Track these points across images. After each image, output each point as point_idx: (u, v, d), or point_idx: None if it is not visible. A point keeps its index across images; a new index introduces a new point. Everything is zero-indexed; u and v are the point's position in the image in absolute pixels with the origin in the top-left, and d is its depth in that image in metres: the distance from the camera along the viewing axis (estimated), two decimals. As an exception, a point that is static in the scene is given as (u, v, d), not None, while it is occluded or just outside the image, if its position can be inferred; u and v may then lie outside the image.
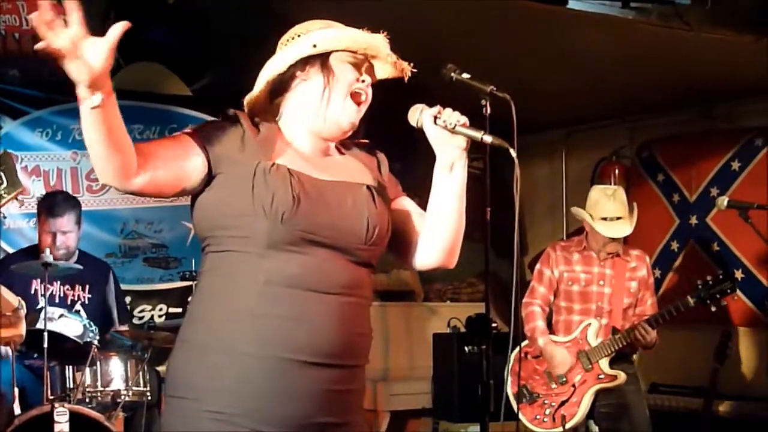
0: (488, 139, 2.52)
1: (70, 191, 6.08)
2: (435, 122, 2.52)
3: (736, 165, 6.52)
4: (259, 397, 2.30)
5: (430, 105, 2.61)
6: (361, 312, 2.46)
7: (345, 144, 2.67)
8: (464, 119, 2.54)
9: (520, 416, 5.16)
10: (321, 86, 2.48)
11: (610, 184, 6.21)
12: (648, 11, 5.24)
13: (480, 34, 6.08)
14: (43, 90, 6.45)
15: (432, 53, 4.98)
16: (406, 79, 2.67)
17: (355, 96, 2.52)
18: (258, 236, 2.33)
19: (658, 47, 5.72)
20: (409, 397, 6.85)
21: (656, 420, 5.23)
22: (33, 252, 5.26)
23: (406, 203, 2.69)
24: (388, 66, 2.64)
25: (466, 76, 3.16)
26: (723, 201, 4.98)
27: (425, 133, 2.55)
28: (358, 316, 2.45)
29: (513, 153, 2.53)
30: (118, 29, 2.16)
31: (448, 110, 2.55)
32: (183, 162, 2.36)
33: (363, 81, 2.54)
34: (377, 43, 2.57)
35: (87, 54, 2.11)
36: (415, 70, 2.68)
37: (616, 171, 7.23)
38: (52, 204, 5.25)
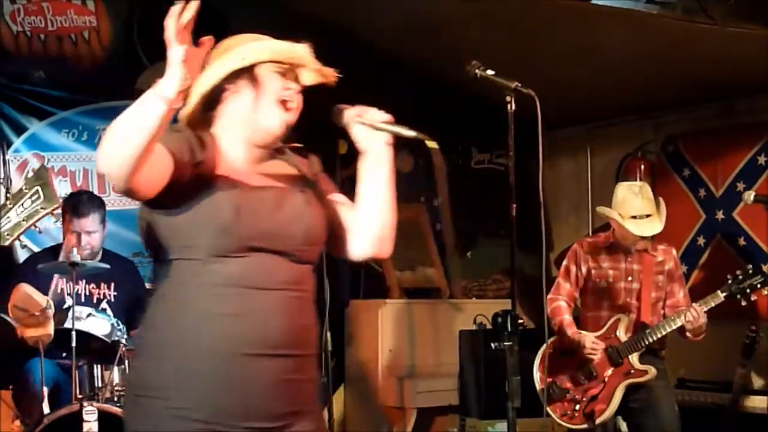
0: (410, 133, 2.69)
1: (96, 191, 6.10)
2: (360, 122, 2.70)
3: (762, 159, 6.48)
4: (217, 392, 2.44)
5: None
6: (305, 305, 2.61)
7: (278, 148, 2.76)
8: (387, 116, 2.72)
9: (549, 412, 5.15)
10: (251, 97, 2.61)
11: (636, 179, 6.19)
12: (672, 6, 5.23)
13: (504, 31, 6.08)
14: (69, 91, 6.49)
15: (455, 50, 5.00)
16: (330, 84, 2.77)
17: (283, 103, 2.63)
18: (203, 246, 2.46)
19: (682, 42, 5.70)
20: (435, 394, 6.84)
21: (684, 415, 5.21)
22: (58, 251, 5.28)
23: (339, 198, 2.82)
24: (313, 73, 2.74)
25: (490, 72, 3.17)
26: (749, 195, 4.96)
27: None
28: (302, 309, 2.59)
29: (432, 144, 2.71)
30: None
31: (371, 109, 2.72)
32: (163, 169, 2.43)
33: (290, 88, 2.65)
34: (302, 53, 2.68)
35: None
36: (340, 76, 2.78)
37: (642, 167, 7.19)
38: (77, 204, 5.27)
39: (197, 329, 2.45)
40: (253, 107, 2.61)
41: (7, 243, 2.46)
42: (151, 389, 2.46)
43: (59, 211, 5.36)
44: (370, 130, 2.70)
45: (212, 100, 2.62)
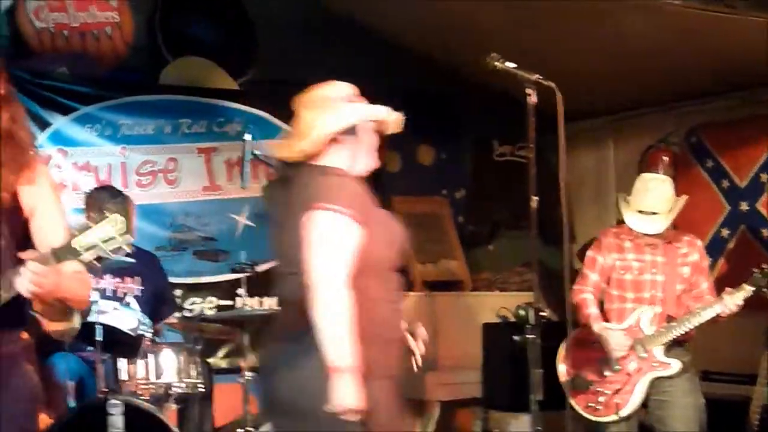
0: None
1: (119, 186, 6.13)
2: None
3: (786, 150, 6.46)
4: None
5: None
6: None
7: None
8: None
9: (573, 404, 5.14)
10: (352, 147, 3.28)
11: (658, 171, 6.15)
12: (693, -5, 5.21)
13: (525, 23, 6.07)
14: (92, 86, 6.52)
15: (476, 43, 4.99)
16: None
17: (372, 152, 3.35)
18: None
19: (703, 32, 5.67)
20: (458, 386, 6.85)
21: (708, 408, 5.19)
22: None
23: None
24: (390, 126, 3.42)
25: (510, 65, 3.17)
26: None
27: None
28: None
29: None
30: None
31: None
32: None
33: (376, 141, 3.36)
34: (387, 115, 3.35)
35: None
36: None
37: (664, 158, 7.16)
38: (100, 196, 5.33)
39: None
40: (352, 155, 3.29)
41: (85, 259, 2.57)
42: (381, 370, 3.12)
43: (83, 206, 5.43)
44: None
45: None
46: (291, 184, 3.29)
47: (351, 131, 3.28)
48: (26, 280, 2.60)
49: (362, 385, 3.00)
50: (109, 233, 2.58)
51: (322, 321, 2.98)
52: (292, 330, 3.16)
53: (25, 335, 2.89)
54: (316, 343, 3.00)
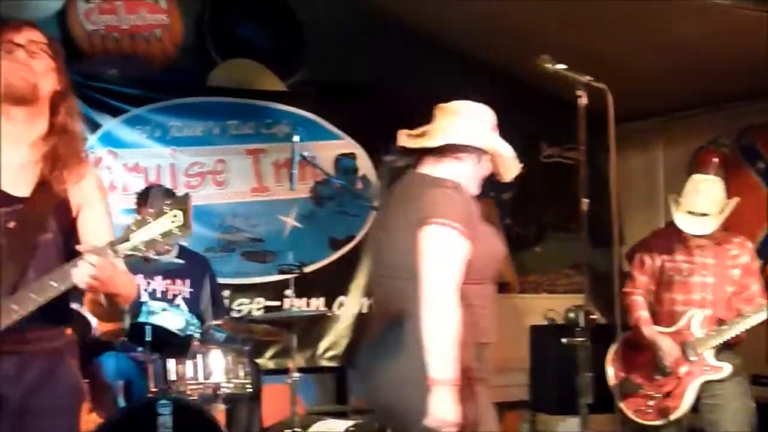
0: None
1: (169, 186, 6.18)
2: None
3: (836, 152, 6.38)
4: None
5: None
6: None
7: None
8: None
9: (622, 408, 5.10)
10: (471, 168, 3.38)
11: (709, 172, 6.12)
12: (747, -6, 5.16)
13: (575, 24, 6.04)
14: (142, 88, 6.57)
15: (524, 44, 4.97)
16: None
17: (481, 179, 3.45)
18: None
19: (753, 32, 5.61)
20: (505, 389, 6.82)
21: (758, 412, 5.13)
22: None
23: None
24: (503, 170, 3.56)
25: (561, 66, 3.15)
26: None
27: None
28: None
29: None
30: None
31: None
32: None
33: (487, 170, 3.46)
34: (517, 170, 3.51)
35: None
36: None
37: (715, 159, 7.09)
38: (150, 194, 5.36)
39: None
40: (465, 176, 3.36)
41: (142, 254, 2.62)
42: (475, 373, 3.26)
43: (134, 206, 5.48)
44: None
45: (445, 148, 3.32)
46: (399, 190, 3.37)
47: (475, 152, 3.35)
48: (84, 272, 2.61)
49: (457, 389, 3.03)
50: (167, 228, 2.61)
51: (430, 334, 3.01)
52: (383, 333, 3.23)
53: (69, 331, 2.90)
54: (408, 347, 3.06)
